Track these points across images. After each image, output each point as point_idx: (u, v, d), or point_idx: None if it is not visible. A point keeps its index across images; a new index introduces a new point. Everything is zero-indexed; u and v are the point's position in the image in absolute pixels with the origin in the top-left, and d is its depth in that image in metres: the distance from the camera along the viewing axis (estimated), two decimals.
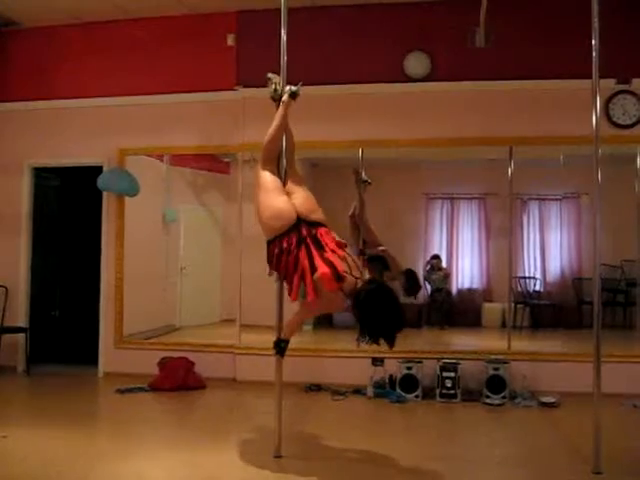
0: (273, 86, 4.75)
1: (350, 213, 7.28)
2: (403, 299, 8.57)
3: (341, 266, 4.25)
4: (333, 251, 4.32)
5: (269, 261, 4.50)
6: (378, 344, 4.34)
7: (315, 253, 4.28)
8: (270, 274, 4.61)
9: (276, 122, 4.64)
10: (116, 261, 7.82)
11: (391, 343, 4.31)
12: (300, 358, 6.58)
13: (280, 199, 4.48)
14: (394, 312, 4.27)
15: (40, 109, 8.05)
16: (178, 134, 7.72)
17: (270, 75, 4.79)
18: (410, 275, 7.18)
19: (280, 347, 4.55)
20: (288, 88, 4.67)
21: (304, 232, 4.36)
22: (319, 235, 4.38)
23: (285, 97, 4.66)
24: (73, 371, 7.98)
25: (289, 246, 4.33)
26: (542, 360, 6.86)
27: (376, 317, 4.24)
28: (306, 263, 4.25)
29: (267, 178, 4.57)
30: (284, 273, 4.43)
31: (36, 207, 8.23)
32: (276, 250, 4.37)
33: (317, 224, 4.45)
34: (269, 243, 4.47)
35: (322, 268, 4.20)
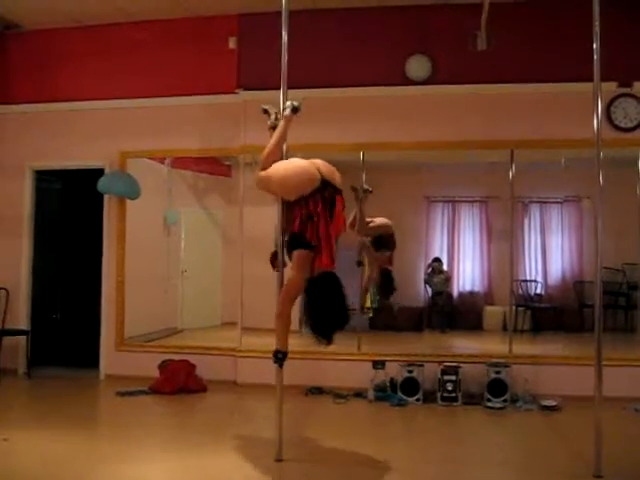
0: (273, 116, 4.80)
1: (349, 222, 7.28)
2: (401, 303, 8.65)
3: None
4: (329, 235, 4.45)
5: (294, 223, 4.48)
6: (318, 338, 4.42)
7: (323, 223, 4.42)
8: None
9: (277, 138, 4.70)
10: (117, 264, 7.82)
11: (328, 338, 4.42)
12: (301, 361, 6.57)
13: (299, 159, 4.59)
14: (336, 305, 4.38)
15: (42, 112, 8.06)
16: (179, 137, 7.72)
17: (266, 107, 4.84)
18: (385, 275, 7.16)
19: (278, 358, 4.58)
20: (289, 103, 4.71)
21: (327, 195, 4.46)
22: (336, 206, 4.49)
23: (287, 112, 4.69)
24: (74, 374, 7.98)
25: (315, 208, 4.40)
26: (543, 363, 6.85)
27: (320, 305, 4.36)
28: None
29: (275, 164, 4.64)
30: (316, 239, 4.43)
31: (38, 210, 8.23)
32: (303, 212, 4.42)
33: (337, 190, 4.54)
34: (293, 204, 4.50)
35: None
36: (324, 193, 4.46)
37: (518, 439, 5.50)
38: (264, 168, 4.67)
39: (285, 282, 4.63)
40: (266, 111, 4.89)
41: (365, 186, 7.17)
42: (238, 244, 7.55)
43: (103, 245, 7.91)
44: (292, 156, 4.87)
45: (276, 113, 4.81)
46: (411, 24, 7.33)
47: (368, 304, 7.59)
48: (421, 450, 5.02)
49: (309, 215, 4.42)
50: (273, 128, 4.81)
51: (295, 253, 4.50)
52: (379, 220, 7.32)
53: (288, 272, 4.62)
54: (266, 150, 4.70)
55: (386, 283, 7.29)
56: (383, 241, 7.26)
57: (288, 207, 4.59)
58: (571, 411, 6.15)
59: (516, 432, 5.74)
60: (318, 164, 4.57)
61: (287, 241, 4.62)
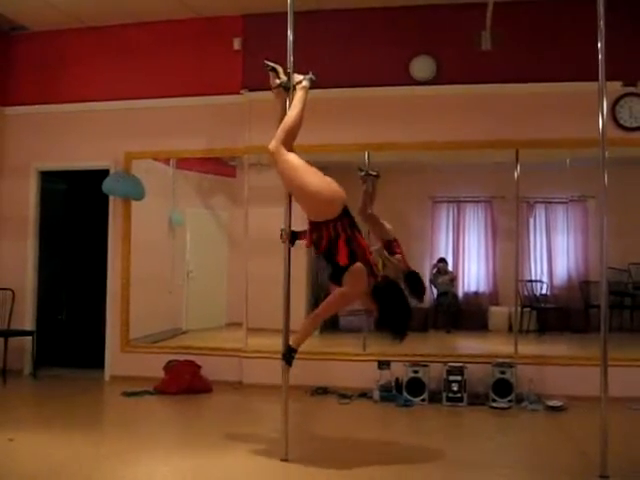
0: (284, 75, 4.73)
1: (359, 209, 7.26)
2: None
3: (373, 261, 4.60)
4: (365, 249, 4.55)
5: (317, 244, 4.51)
6: (398, 337, 4.55)
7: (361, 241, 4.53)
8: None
9: (300, 107, 4.64)
10: (122, 264, 7.83)
11: (403, 335, 4.56)
12: (307, 361, 6.55)
13: (330, 180, 4.55)
14: (407, 302, 4.63)
15: (47, 113, 8.07)
16: (184, 138, 7.72)
17: (273, 64, 4.75)
18: (413, 277, 7.11)
19: (290, 356, 4.56)
20: (309, 76, 4.71)
21: (351, 216, 4.55)
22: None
23: (306, 83, 4.69)
24: (79, 374, 7.99)
25: (344, 230, 4.44)
26: (549, 364, 6.83)
27: (397, 306, 4.54)
28: (365, 244, 4.56)
29: (299, 159, 4.58)
30: (358, 256, 4.46)
31: (43, 211, 8.25)
32: (331, 232, 4.42)
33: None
34: (318, 224, 4.49)
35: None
36: (349, 214, 4.54)
37: (524, 439, 5.49)
38: (286, 140, 4.58)
39: (342, 290, 4.50)
40: (274, 69, 4.74)
41: (370, 171, 7.09)
42: (243, 245, 7.57)
43: (108, 246, 7.92)
44: None
45: (285, 70, 4.74)
46: (415, 24, 7.33)
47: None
48: (426, 450, 5.00)
49: (337, 235, 4.43)
50: (283, 87, 4.72)
51: (352, 268, 4.41)
52: (386, 224, 7.28)
53: (346, 286, 4.47)
54: (291, 121, 4.60)
55: (416, 284, 7.25)
56: (391, 246, 7.22)
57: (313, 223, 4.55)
58: (577, 411, 6.14)
59: (522, 432, 5.74)
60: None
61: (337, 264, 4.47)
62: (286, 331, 4.65)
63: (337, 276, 4.50)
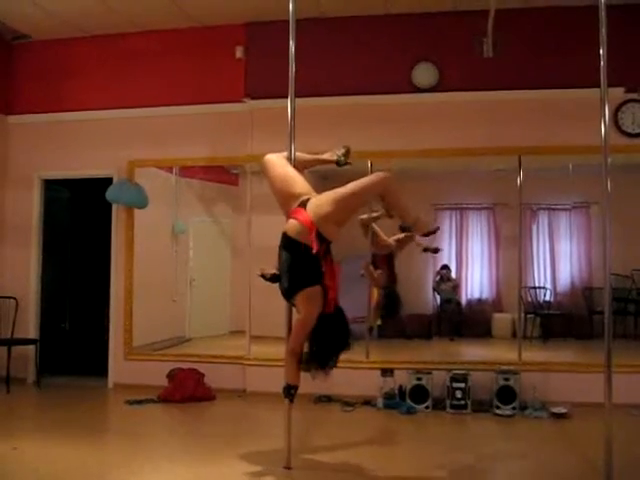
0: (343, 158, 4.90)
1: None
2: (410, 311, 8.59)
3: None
4: (334, 271, 4.56)
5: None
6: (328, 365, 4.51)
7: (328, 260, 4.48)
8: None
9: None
10: (126, 273, 7.84)
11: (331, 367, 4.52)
12: None
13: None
14: (347, 337, 4.58)
15: (50, 122, 8.10)
16: (187, 146, 7.74)
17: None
18: (389, 296, 7.16)
19: (289, 393, 4.55)
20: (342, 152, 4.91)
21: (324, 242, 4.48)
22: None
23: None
24: (83, 383, 7.99)
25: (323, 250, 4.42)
26: (553, 370, 6.82)
27: (335, 338, 4.51)
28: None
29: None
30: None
31: (46, 219, 8.26)
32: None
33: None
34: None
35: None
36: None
37: (527, 446, 5.46)
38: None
39: (299, 319, 4.47)
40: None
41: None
42: (246, 252, 7.57)
43: (111, 254, 7.93)
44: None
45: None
46: (417, 32, 7.35)
47: (377, 323, 7.67)
48: (430, 458, 4.99)
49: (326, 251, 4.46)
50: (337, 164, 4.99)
51: (310, 289, 4.36)
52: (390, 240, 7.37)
53: (301, 309, 4.43)
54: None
55: (390, 304, 7.28)
56: (382, 260, 7.28)
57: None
58: (581, 418, 6.12)
59: (525, 439, 5.70)
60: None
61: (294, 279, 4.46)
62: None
63: (292, 292, 4.45)
